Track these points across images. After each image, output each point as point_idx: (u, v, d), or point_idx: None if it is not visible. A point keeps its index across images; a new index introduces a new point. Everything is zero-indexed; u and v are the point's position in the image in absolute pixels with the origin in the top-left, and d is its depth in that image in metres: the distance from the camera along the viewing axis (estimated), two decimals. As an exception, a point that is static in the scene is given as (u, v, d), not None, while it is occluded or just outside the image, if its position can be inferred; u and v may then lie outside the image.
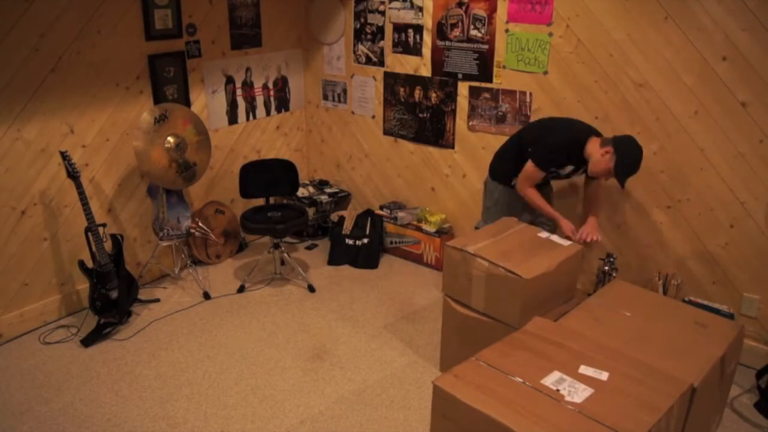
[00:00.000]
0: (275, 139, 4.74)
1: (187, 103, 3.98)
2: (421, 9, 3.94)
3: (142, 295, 3.77)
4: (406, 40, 4.09)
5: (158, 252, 3.96)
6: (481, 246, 2.82)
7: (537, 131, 3.16)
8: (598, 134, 3.03)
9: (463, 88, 3.89)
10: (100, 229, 3.29)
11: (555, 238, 2.93)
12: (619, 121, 3.31)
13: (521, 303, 2.62)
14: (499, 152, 3.38)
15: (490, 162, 3.41)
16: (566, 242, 2.89)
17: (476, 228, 3.38)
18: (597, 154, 2.91)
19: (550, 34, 3.42)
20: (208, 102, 4.15)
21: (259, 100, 4.52)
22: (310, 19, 4.61)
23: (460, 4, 3.75)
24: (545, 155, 3.04)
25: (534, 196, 3.14)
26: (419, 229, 4.26)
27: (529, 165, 3.08)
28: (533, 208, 3.21)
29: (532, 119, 3.63)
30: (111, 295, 3.35)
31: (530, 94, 3.60)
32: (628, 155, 2.83)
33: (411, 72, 4.14)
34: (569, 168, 3.09)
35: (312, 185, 4.89)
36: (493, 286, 2.71)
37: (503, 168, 3.31)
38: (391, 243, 4.43)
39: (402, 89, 4.22)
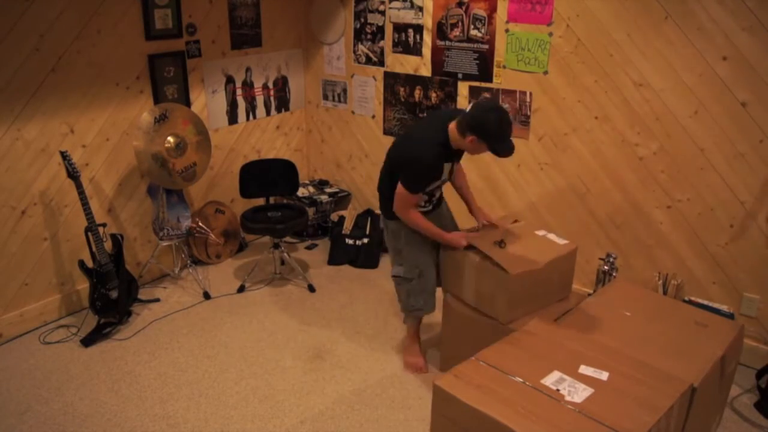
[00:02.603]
0: (275, 139, 4.74)
1: (187, 103, 3.98)
2: (421, 9, 3.94)
3: (142, 295, 3.77)
4: (406, 40, 4.09)
5: (158, 252, 3.96)
6: (475, 238, 2.85)
7: (397, 151, 2.81)
8: (452, 118, 2.68)
9: (463, 88, 3.89)
10: (100, 229, 3.29)
11: (552, 236, 2.93)
12: (619, 121, 3.31)
13: (507, 298, 2.62)
14: (380, 188, 2.95)
15: (379, 202, 3.01)
16: (562, 241, 2.89)
17: (394, 276, 3.02)
18: (465, 144, 2.60)
19: (550, 34, 3.42)
20: (208, 102, 4.15)
21: (259, 100, 4.52)
22: (310, 19, 4.61)
23: (460, 4, 3.75)
24: (415, 178, 2.70)
25: (418, 219, 2.79)
26: (419, 229, 4.26)
27: (400, 189, 2.71)
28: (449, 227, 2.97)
29: (532, 119, 3.63)
30: (111, 295, 3.35)
31: (530, 94, 3.60)
32: (489, 131, 2.52)
33: (411, 72, 4.14)
34: (446, 168, 2.77)
35: (312, 185, 4.89)
36: (483, 279, 2.71)
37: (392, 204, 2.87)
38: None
39: (402, 89, 4.22)
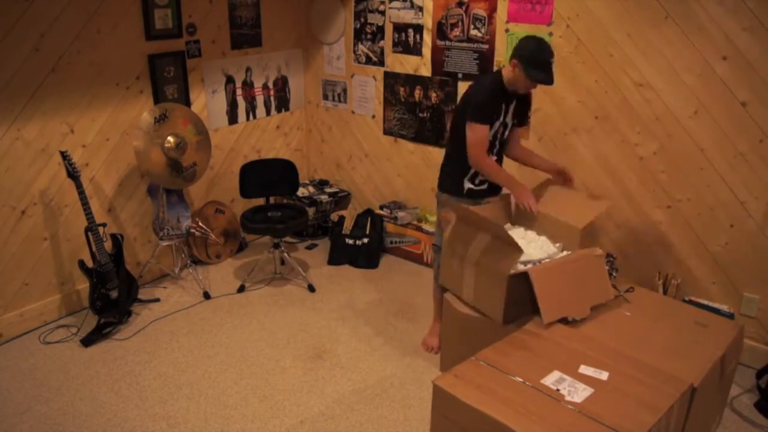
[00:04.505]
0: (275, 138, 4.74)
1: (187, 103, 3.98)
2: (421, 9, 3.94)
3: (142, 294, 3.77)
4: (406, 39, 4.09)
5: (158, 252, 3.96)
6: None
7: (463, 100, 2.95)
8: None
9: (463, 88, 3.88)
10: (100, 229, 3.29)
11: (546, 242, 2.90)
12: (619, 121, 3.31)
13: (503, 298, 2.58)
14: (442, 163, 3.12)
15: (439, 176, 3.15)
16: (555, 248, 2.85)
17: (434, 245, 3.19)
18: (510, 74, 2.81)
19: (550, 34, 3.42)
20: (208, 102, 4.15)
21: (259, 100, 4.52)
22: (310, 19, 4.61)
23: (460, 4, 3.75)
24: (479, 105, 2.83)
25: (492, 166, 2.91)
26: (419, 228, 4.26)
27: (470, 128, 2.83)
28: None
29: (532, 119, 3.63)
30: (111, 295, 3.35)
31: (530, 93, 3.59)
32: (527, 53, 2.71)
33: (411, 72, 4.14)
34: (503, 108, 2.89)
35: (312, 185, 4.89)
36: (481, 278, 2.70)
37: (454, 171, 3.02)
38: (391, 243, 4.43)
39: (402, 89, 4.22)
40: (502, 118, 2.93)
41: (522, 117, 3.09)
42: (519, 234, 2.94)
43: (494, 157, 3.02)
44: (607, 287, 2.69)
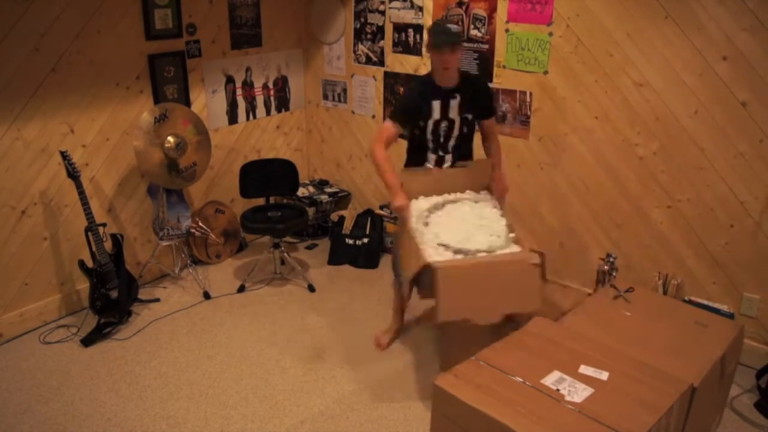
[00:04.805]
0: (275, 138, 4.74)
1: (187, 103, 3.98)
2: (421, 9, 3.94)
3: (142, 294, 3.77)
4: (406, 39, 4.09)
5: (158, 252, 3.96)
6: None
7: None
8: None
9: (463, 88, 3.89)
10: (100, 229, 3.29)
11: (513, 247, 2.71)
12: (619, 121, 3.31)
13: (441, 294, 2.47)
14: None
15: None
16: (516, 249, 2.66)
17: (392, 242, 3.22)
18: (431, 65, 2.89)
19: (550, 34, 3.42)
20: (208, 102, 4.15)
21: (259, 100, 4.52)
22: (310, 19, 4.61)
23: (460, 4, 3.75)
24: (399, 104, 2.92)
25: (380, 160, 2.84)
26: (419, 228, 4.26)
27: (385, 120, 2.95)
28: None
29: (532, 119, 3.63)
30: (111, 295, 3.35)
31: (530, 93, 3.60)
32: (429, 33, 2.84)
33: (411, 72, 4.13)
34: (435, 105, 2.86)
35: (312, 185, 4.89)
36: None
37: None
38: (391, 243, 4.43)
39: (402, 89, 4.22)
40: (438, 116, 2.89)
41: (482, 110, 3.01)
42: (482, 210, 2.84)
43: (448, 155, 2.99)
44: (533, 298, 2.53)
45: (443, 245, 2.59)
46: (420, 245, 2.58)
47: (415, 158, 3.02)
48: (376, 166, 2.89)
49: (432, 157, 2.99)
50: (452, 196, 2.95)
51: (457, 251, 2.56)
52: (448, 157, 2.99)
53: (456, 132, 2.97)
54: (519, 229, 2.72)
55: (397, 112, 2.94)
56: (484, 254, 2.57)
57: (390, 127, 2.89)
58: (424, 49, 4.00)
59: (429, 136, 2.92)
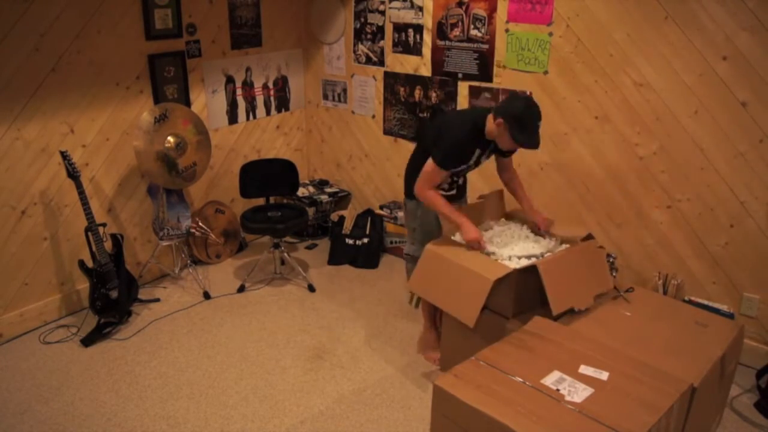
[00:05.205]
0: (275, 138, 4.74)
1: (187, 103, 3.98)
2: (421, 9, 3.94)
3: (142, 294, 3.77)
4: (406, 39, 4.09)
5: (158, 252, 3.96)
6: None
7: (436, 132, 2.86)
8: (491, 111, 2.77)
9: (463, 88, 3.89)
10: (100, 229, 3.29)
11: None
12: (619, 121, 3.31)
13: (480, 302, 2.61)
14: (408, 169, 3.07)
15: (404, 182, 3.12)
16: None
17: (406, 254, 3.18)
18: (494, 128, 2.66)
19: (550, 34, 3.42)
20: (208, 102, 4.15)
21: (259, 100, 4.52)
22: (310, 19, 4.61)
23: (460, 4, 3.75)
24: (447, 152, 2.76)
25: (435, 199, 2.81)
26: (419, 228, 4.26)
27: (429, 164, 2.78)
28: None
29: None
30: (111, 295, 3.35)
31: (530, 93, 3.60)
32: (515, 114, 2.57)
33: (411, 72, 4.14)
34: (476, 153, 2.82)
35: (312, 185, 4.89)
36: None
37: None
38: (391, 243, 4.43)
39: (402, 89, 4.22)
40: (472, 162, 2.86)
41: (506, 152, 2.96)
42: (517, 230, 2.98)
43: (452, 192, 3.01)
44: (607, 277, 2.75)
45: (511, 257, 2.74)
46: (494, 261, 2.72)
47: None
48: (436, 208, 2.83)
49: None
50: (485, 224, 3.06)
51: (527, 257, 2.72)
52: (437, 193, 2.93)
53: (471, 169, 2.98)
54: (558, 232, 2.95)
55: (448, 162, 2.78)
56: (549, 254, 2.75)
57: (441, 175, 2.81)
58: (424, 50, 4.00)
59: (450, 178, 2.92)
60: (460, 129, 2.76)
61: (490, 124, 2.70)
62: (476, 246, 2.75)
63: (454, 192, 3.05)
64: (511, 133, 2.59)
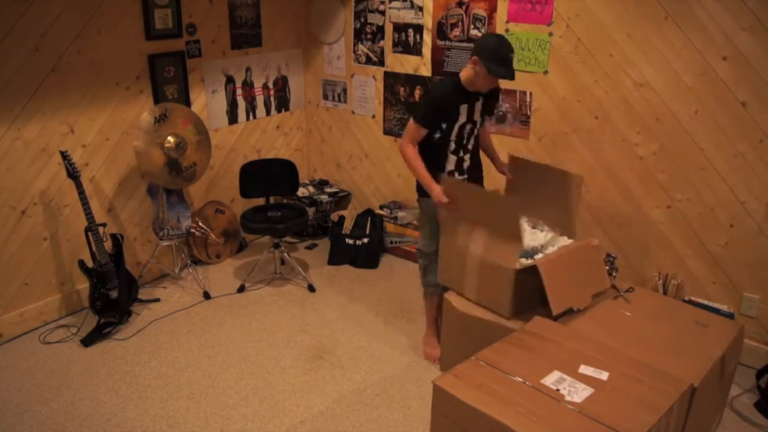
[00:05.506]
0: (275, 138, 4.74)
1: (187, 103, 3.98)
2: (421, 9, 3.94)
3: (142, 294, 3.77)
4: (406, 39, 4.09)
5: (158, 252, 3.96)
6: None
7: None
8: None
9: (463, 88, 3.89)
10: (100, 229, 3.29)
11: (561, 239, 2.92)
12: (619, 121, 3.31)
13: (510, 294, 2.61)
14: None
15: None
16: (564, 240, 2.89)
17: (418, 249, 3.18)
18: (470, 72, 2.76)
19: (550, 34, 3.42)
20: (208, 102, 4.15)
21: (259, 100, 4.52)
22: (310, 19, 4.61)
23: (460, 4, 3.75)
24: (426, 108, 2.85)
25: (411, 157, 2.85)
26: (419, 228, 4.26)
27: (410, 123, 2.85)
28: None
29: (532, 119, 3.63)
30: (111, 295, 3.35)
31: (530, 93, 3.60)
32: (487, 48, 2.68)
33: (411, 72, 4.14)
34: (463, 108, 2.84)
35: (312, 185, 4.89)
36: (484, 274, 2.72)
37: (428, 170, 2.95)
38: (391, 243, 4.43)
39: (402, 89, 4.22)
40: (465, 119, 2.88)
41: (489, 109, 3.04)
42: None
43: (467, 155, 2.99)
44: (603, 276, 2.75)
45: None
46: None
47: (434, 159, 2.92)
48: (410, 163, 2.88)
49: (452, 158, 2.95)
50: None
51: (524, 254, 2.74)
52: (467, 157, 2.99)
53: (475, 132, 2.98)
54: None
55: (427, 116, 2.83)
56: (548, 250, 2.79)
57: (420, 129, 2.84)
58: (424, 50, 4.00)
59: (453, 138, 2.89)
60: (440, 85, 2.92)
61: (467, 70, 2.79)
62: (445, 206, 2.78)
63: (465, 177, 3.02)
64: (487, 67, 2.67)
